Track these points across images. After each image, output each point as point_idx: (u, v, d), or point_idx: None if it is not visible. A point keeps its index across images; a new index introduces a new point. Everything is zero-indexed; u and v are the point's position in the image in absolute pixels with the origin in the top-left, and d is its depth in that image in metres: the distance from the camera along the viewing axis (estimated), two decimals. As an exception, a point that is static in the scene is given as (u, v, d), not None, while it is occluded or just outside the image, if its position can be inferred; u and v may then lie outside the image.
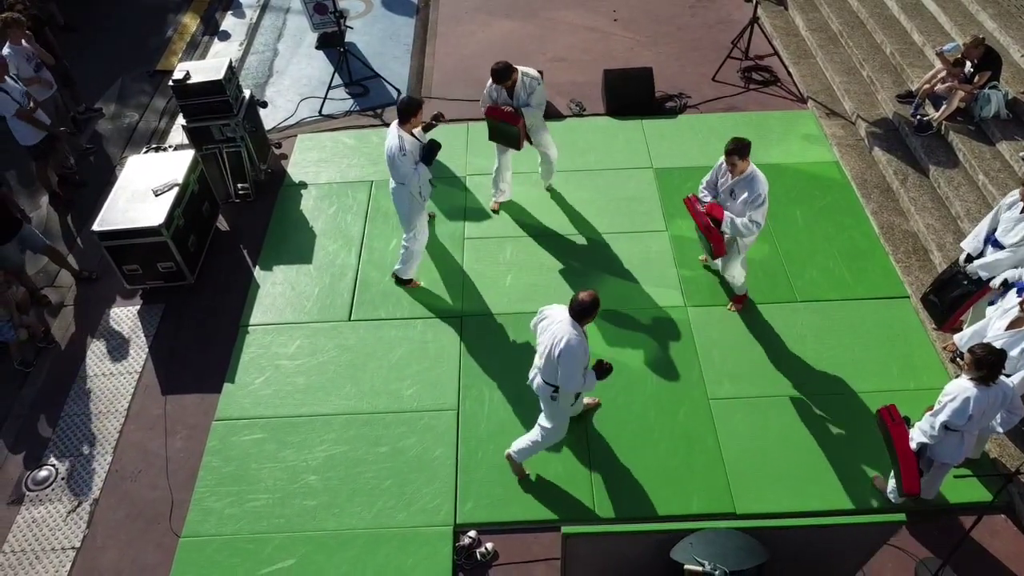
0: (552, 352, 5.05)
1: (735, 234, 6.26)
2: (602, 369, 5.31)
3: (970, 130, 8.00)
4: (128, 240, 7.00)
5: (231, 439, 6.24)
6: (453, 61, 10.49)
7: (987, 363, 4.59)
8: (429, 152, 6.58)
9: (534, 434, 5.65)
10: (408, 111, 6.44)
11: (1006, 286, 5.46)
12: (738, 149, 5.99)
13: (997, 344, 4.93)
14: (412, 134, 6.53)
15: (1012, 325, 5.13)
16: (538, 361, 5.30)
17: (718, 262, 6.81)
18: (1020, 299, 5.12)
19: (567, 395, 5.33)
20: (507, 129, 7.25)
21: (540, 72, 7.39)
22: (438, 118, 6.92)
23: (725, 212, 6.20)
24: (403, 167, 6.50)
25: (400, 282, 7.35)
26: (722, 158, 6.18)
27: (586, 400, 6.27)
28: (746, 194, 6.07)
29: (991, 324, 5.37)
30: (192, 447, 6.27)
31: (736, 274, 6.73)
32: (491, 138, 7.55)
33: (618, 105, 9.28)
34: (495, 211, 8.08)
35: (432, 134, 6.88)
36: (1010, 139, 7.65)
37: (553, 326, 5.11)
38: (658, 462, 5.95)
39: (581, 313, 5.03)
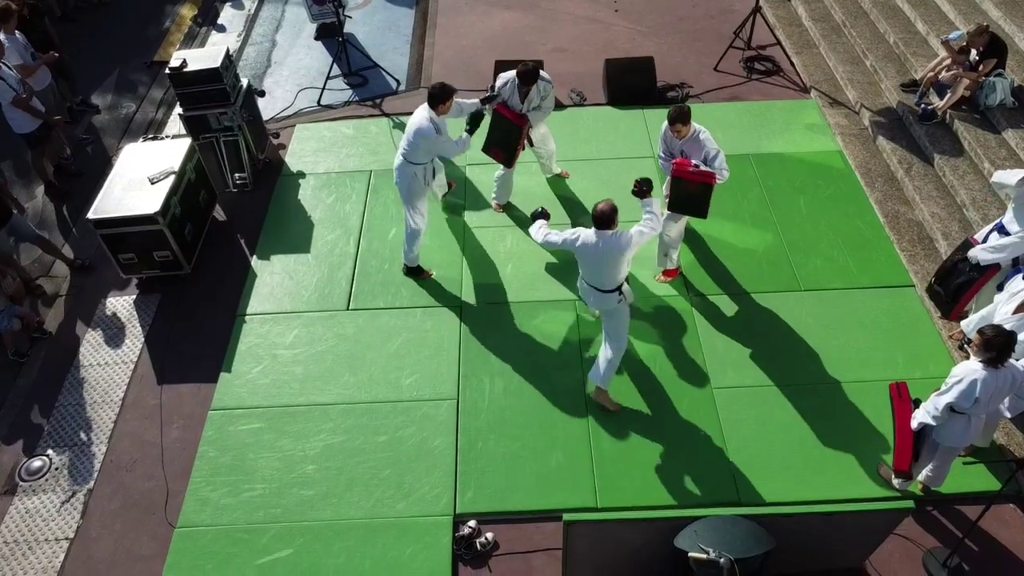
0: (602, 262, 5.52)
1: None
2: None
3: (975, 118, 7.91)
4: (123, 228, 6.91)
5: (227, 429, 6.15)
6: (453, 51, 10.40)
7: (996, 344, 4.49)
8: (475, 120, 6.76)
9: (607, 353, 5.89)
10: (440, 97, 6.44)
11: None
12: (680, 116, 6.15)
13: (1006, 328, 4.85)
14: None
15: (1020, 309, 5.05)
16: (589, 280, 5.71)
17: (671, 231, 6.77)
18: None
19: (630, 292, 5.75)
20: (511, 130, 7.13)
21: (541, 61, 7.30)
22: (491, 98, 7.12)
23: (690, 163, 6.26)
24: (450, 151, 6.72)
25: (411, 271, 7.24)
26: (663, 126, 6.37)
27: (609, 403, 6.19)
28: (702, 153, 6.18)
29: (998, 308, 5.29)
30: (188, 437, 6.18)
31: (675, 234, 6.74)
32: (485, 148, 7.42)
33: (619, 95, 9.20)
34: (497, 211, 7.97)
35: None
36: (1016, 127, 7.56)
37: (588, 245, 5.53)
38: (661, 452, 5.86)
39: (605, 223, 5.42)
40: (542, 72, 7.09)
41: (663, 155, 6.63)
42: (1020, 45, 8.40)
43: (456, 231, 7.69)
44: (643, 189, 5.70)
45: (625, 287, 5.71)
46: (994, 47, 7.73)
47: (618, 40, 10.44)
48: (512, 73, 7.06)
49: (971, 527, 4.98)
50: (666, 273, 7.09)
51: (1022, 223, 5.58)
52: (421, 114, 6.51)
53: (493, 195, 7.94)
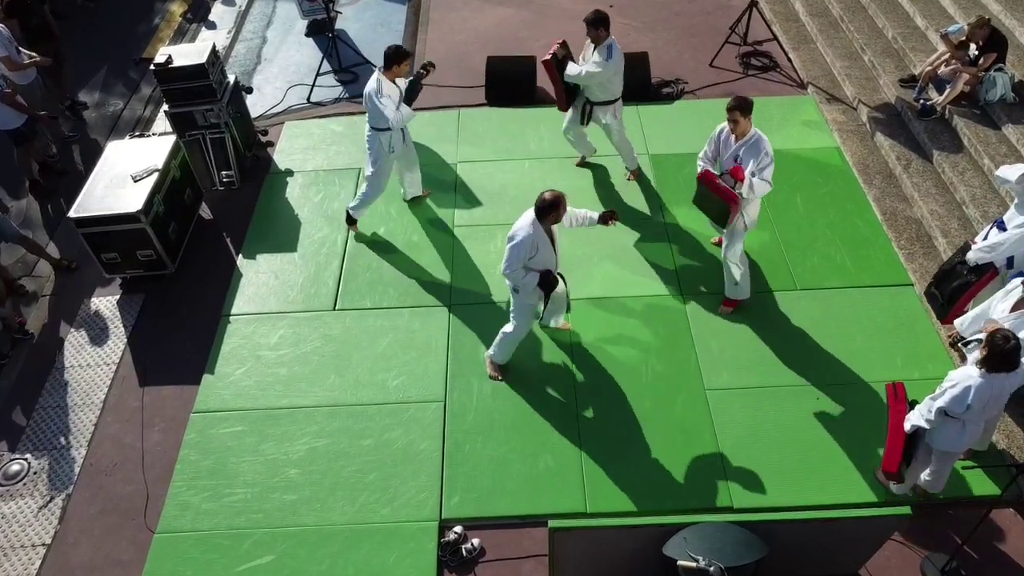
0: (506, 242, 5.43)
1: (749, 195, 5.92)
2: (546, 280, 5.48)
3: (975, 114, 7.76)
4: (106, 227, 6.78)
5: (209, 432, 6.01)
6: (445, 48, 10.25)
7: (1009, 354, 4.31)
8: (411, 91, 6.79)
9: (504, 328, 5.99)
10: (394, 58, 6.55)
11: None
12: (740, 105, 5.75)
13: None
14: (394, 82, 6.69)
15: (1017, 307, 4.90)
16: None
17: (722, 248, 6.47)
18: (1022, 279, 4.89)
19: (526, 291, 5.60)
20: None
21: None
22: (427, 68, 6.96)
23: (745, 172, 5.85)
24: (384, 110, 6.59)
25: (350, 221, 7.39)
26: (718, 127, 6.00)
27: (560, 323, 6.43)
28: (753, 160, 5.82)
29: (993, 308, 5.13)
30: (169, 440, 6.04)
31: (736, 262, 6.36)
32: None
33: (615, 91, 9.04)
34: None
35: (425, 119, 6.72)
36: (1017, 123, 7.41)
37: (517, 220, 5.44)
38: (653, 455, 5.72)
39: (540, 211, 5.31)
40: (614, 44, 6.95)
41: (707, 158, 6.18)
42: (1021, 39, 8.25)
43: (445, 230, 7.55)
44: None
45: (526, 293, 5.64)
46: (994, 41, 7.58)
47: (614, 35, 10.24)
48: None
49: (971, 533, 4.84)
50: (727, 303, 6.63)
51: (1023, 215, 5.43)
52: (372, 77, 6.68)
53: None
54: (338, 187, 8.07)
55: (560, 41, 7.10)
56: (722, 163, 6.11)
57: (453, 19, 10.85)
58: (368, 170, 7.08)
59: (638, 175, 7.97)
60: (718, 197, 6.00)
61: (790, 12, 10.43)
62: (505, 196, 7.84)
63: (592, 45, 7.05)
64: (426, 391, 6.18)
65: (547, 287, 5.54)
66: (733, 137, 5.95)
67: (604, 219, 5.77)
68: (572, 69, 7.08)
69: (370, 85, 6.67)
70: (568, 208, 5.51)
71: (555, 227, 5.57)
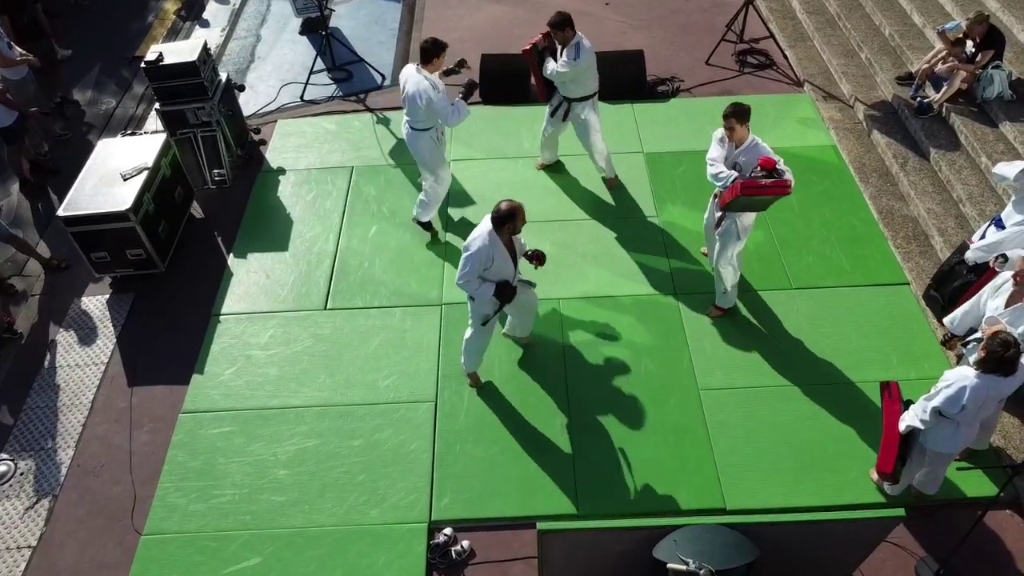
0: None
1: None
2: (502, 292, 5.41)
3: (972, 112, 7.70)
4: (95, 226, 6.72)
5: (198, 432, 5.95)
6: (440, 46, 10.18)
7: (1008, 359, 4.25)
8: (470, 89, 6.63)
9: (464, 336, 5.93)
10: (432, 51, 6.36)
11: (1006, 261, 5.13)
12: (736, 113, 5.59)
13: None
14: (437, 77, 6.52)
15: (1011, 301, 4.82)
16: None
17: (714, 256, 6.28)
18: (1013, 272, 4.80)
19: (481, 300, 5.50)
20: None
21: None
22: (462, 64, 6.82)
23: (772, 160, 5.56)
24: (438, 105, 6.36)
25: (423, 226, 7.25)
26: (717, 131, 5.84)
27: (523, 334, 6.34)
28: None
29: (985, 303, 5.04)
30: (158, 440, 5.98)
31: (730, 270, 6.22)
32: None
33: (608, 89, 8.91)
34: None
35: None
36: (1014, 120, 7.34)
37: (474, 229, 5.38)
38: (646, 455, 5.66)
39: (496, 221, 5.24)
40: (583, 42, 6.82)
41: (715, 160, 5.80)
42: (1019, 36, 8.19)
43: (438, 227, 7.48)
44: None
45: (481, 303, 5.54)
46: (992, 38, 7.52)
47: (608, 34, 10.22)
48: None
49: (966, 534, 4.77)
50: (718, 308, 6.55)
51: (1021, 214, 5.37)
52: (414, 75, 6.43)
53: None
54: (330, 186, 8.01)
55: (545, 32, 7.03)
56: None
57: (448, 17, 10.79)
58: (428, 176, 6.95)
59: (616, 184, 7.84)
60: (767, 197, 5.62)
61: (787, 10, 10.37)
62: (499, 195, 7.56)
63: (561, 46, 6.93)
64: (417, 391, 6.12)
65: (503, 298, 5.45)
66: (732, 144, 5.79)
67: (529, 257, 5.60)
68: (547, 67, 7.02)
69: (420, 83, 6.37)
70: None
71: (516, 237, 5.47)
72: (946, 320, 5.40)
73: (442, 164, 6.98)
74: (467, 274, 5.31)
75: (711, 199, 6.24)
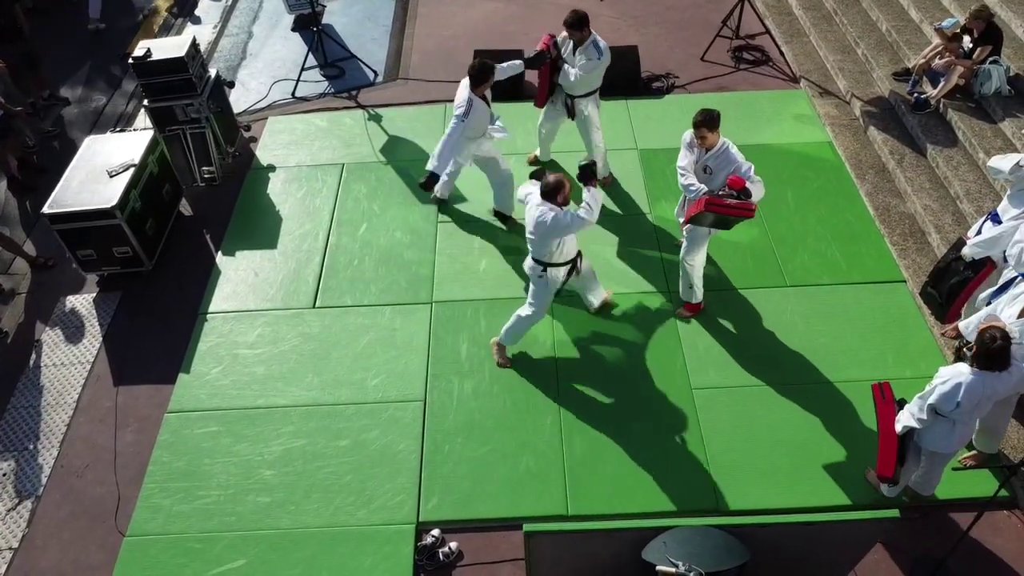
0: (530, 228, 5.48)
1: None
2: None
3: (970, 107, 7.62)
4: (80, 223, 6.63)
5: (184, 432, 5.86)
6: (433, 43, 10.11)
7: (995, 352, 4.18)
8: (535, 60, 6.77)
9: (520, 311, 5.97)
10: (481, 76, 6.37)
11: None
12: (706, 121, 5.56)
13: (1014, 335, 4.53)
14: (483, 97, 6.48)
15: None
16: (529, 237, 5.62)
17: (681, 250, 6.24)
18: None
19: (554, 278, 5.68)
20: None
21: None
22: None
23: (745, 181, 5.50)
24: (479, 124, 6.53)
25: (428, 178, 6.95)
26: (686, 134, 5.78)
27: (601, 297, 6.41)
28: (732, 168, 5.60)
29: (1000, 311, 4.94)
30: (143, 440, 5.89)
31: (697, 263, 6.15)
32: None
33: (603, 85, 8.80)
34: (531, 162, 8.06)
35: (411, 114, 6.55)
36: (1012, 116, 7.26)
37: (529, 207, 5.51)
38: (637, 456, 5.57)
39: (547, 195, 5.39)
40: (599, 40, 6.82)
41: (685, 169, 5.77)
42: (1017, 32, 8.10)
43: (428, 227, 7.40)
44: (586, 174, 5.49)
45: (552, 272, 5.67)
46: (989, 33, 7.44)
47: (603, 30, 9.96)
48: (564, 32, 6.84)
49: (962, 535, 4.68)
50: (688, 307, 6.47)
51: (1016, 208, 5.28)
52: (465, 96, 6.44)
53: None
54: (321, 183, 7.92)
55: (550, 39, 6.91)
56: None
57: (441, 13, 10.70)
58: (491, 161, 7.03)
59: (610, 182, 7.76)
60: (731, 217, 5.59)
61: (783, 5, 10.28)
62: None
63: (571, 42, 6.84)
64: (406, 390, 6.03)
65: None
66: (703, 149, 5.73)
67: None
68: (568, 75, 6.86)
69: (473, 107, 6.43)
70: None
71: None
72: (961, 327, 5.31)
73: (489, 146, 6.97)
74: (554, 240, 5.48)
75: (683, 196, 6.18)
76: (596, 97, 7.17)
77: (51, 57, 10.08)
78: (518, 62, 6.85)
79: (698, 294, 6.36)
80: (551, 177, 5.40)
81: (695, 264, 6.17)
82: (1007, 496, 5.14)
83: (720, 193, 5.50)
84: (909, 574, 4.94)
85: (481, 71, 6.38)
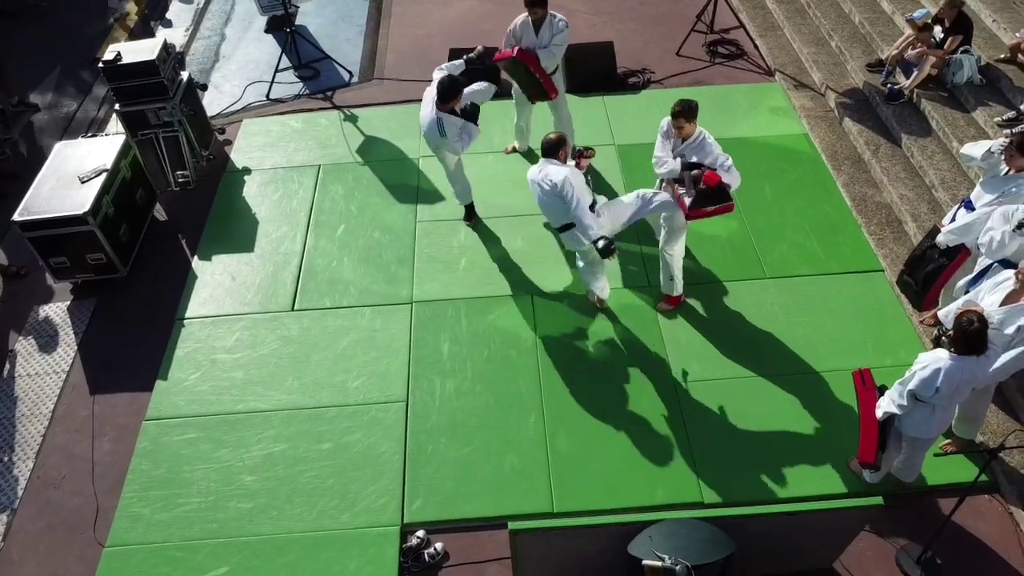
0: (551, 193, 5.62)
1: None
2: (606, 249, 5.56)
3: (943, 97, 7.68)
4: (52, 230, 6.52)
5: (162, 440, 5.78)
6: (408, 42, 10.05)
7: (971, 335, 4.22)
8: (473, 115, 6.51)
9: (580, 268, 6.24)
10: (448, 93, 6.27)
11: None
12: (684, 111, 5.60)
13: (992, 321, 4.57)
14: (454, 112, 6.38)
15: (1008, 300, 4.76)
16: (551, 218, 5.96)
17: (660, 240, 6.25)
18: (1016, 271, 4.74)
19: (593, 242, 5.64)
20: (517, 69, 6.97)
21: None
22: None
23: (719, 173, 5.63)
24: (445, 144, 6.48)
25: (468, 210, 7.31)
26: (663, 122, 5.84)
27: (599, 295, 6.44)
28: (708, 159, 5.64)
29: (981, 299, 4.98)
30: (121, 449, 5.81)
31: (676, 253, 6.18)
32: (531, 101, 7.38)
33: (579, 82, 8.88)
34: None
35: (387, 114, 6.52)
36: (984, 104, 7.33)
37: (540, 179, 5.67)
38: (622, 450, 5.56)
39: (549, 150, 5.62)
40: (555, 13, 6.92)
41: (660, 158, 5.91)
42: (986, 21, 8.18)
43: (407, 226, 7.35)
44: (552, 149, 5.69)
45: (591, 226, 5.61)
46: (960, 23, 7.51)
47: (579, 26, 10.07)
48: (524, 14, 6.88)
49: (945, 521, 4.72)
50: (668, 300, 6.46)
51: (989, 195, 5.33)
52: (429, 114, 6.37)
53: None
54: (297, 185, 7.85)
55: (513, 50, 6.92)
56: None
57: (416, 12, 10.65)
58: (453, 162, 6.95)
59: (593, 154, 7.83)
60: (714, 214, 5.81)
61: (756, -1, 10.32)
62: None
63: (531, 26, 6.88)
64: (387, 392, 5.99)
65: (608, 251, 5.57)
66: (679, 139, 5.78)
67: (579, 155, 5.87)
68: (547, 57, 6.93)
69: (429, 125, 6.44)
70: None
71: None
72: (940, 315, 5.34)
73: (461, 168, 7.05)
74: (585, 199, 5.59)
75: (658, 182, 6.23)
76: (560, 72, 7.31)
77: (18, 62, 9.92)
78: (490, 88, 6.84)
79: (678, 286, 6.36)
80: (552, 135, 5.67)
81: (674, 254, 6.18)
82: (988, 480, 5.17)
83: (698, 189, 5.59)
84: (895, 560, 4.96)
85: (452, 87, 6.28)
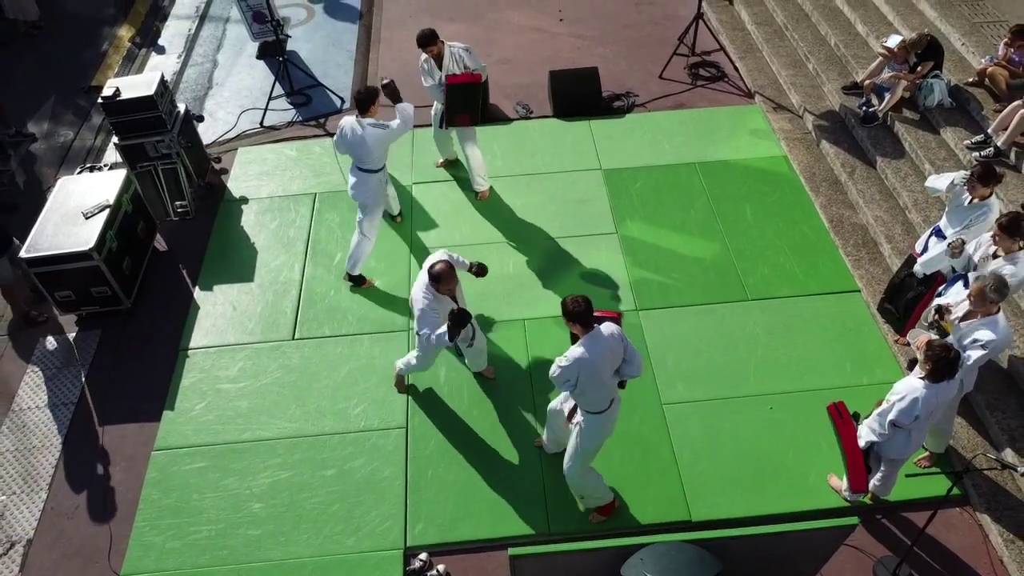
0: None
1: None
2: (457, 320, 5.30)
3: (915, 120, 8.00)
4: (59, 266, 6.72)
5: (171, 469, 6.00)
6: (398, 66, 10.26)
7: (943, 364, 4.51)
8: (394, 95, 6.75)
9: (411, 354, 6.12)
10: (367, 101, 6.54)
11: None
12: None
13: (953, 337, 4.89)
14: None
15: (966, 317, 5.07)
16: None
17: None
18: (967, 291, 5.05)
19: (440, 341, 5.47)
20: (470, 91, 7.27)
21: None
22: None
23: None
24: (391, 135, 6.63)
25: (353, 280, 7.21)
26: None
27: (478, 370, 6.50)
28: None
29: (956, 302, 5.28)
30: (131, 479, 6.02)
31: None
32: (450, 122, 7.53)
33: (565, 106, 9.15)
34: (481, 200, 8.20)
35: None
36: (954, 126, 7.65)
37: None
38: (612, 471, 5.79)
39: (432, 280, 5.44)
40: (452, 42, 7.31)
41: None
42: (956, 45, 8.50)
43: (402, 253, 7.59)
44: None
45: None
46: (931, 49, 7.82)
47: (563, 50, 10.39)
48: (423, 55, 7.29)
49: (919, 534, 5.00)
50: (600, 511, 5.62)
51: (954, 225, 5.64)
52: (355, 125, 6.56)
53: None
54: (294, 213, 8.07)
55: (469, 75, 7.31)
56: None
57: (404, 37, 10.84)
58: (366, 220, 6.92)
59: (486, 197, 8.13)
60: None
61: (736, 21, 10.62)
62: (461, 216, 7.91)
63: (431, 60, 7.30)
64: (388, 418, 6.23)
65: (459, 323, 5.30)
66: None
67: (473, 270, 5.92)
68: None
69: (369, 130, 6.53)
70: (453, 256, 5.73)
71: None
72: (909, 337, 5.63)
73: (380, 209, 7.08)
74: (430, 324, 5.45)
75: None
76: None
77: (13, 91, 10.08)
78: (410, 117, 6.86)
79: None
80: (439, 266, 5.40)
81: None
82: (959, 494, 5.47)
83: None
84: (872, 572, 5.25)
85: (368, 96, 6.54)
